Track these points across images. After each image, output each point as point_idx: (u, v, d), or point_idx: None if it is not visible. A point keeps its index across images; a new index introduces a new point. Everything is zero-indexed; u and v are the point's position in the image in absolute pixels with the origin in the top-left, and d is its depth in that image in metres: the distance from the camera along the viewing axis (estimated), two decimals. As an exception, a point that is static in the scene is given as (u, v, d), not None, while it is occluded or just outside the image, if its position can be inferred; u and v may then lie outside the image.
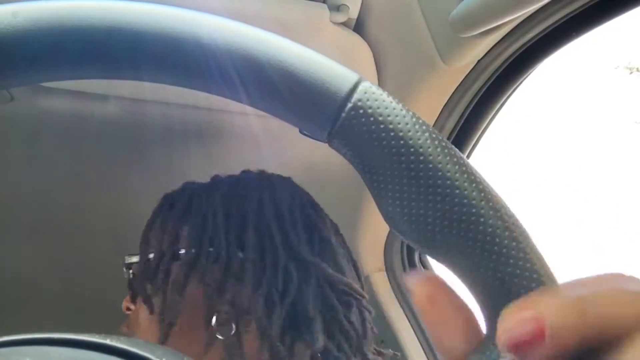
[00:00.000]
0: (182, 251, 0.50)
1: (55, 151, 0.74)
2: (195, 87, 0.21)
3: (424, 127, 0.19)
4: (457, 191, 0.18)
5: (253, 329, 0.47)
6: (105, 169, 0.77)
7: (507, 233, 0.18)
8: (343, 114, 0.19)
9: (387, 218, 0.20)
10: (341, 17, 0.57)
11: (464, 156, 0.19)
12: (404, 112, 0.19)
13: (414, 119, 0.19)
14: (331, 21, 0.57)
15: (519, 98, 0.64)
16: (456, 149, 0.20)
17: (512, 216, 0.19)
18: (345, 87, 0.19)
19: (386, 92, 0.20)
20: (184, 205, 0.53)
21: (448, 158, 0.19)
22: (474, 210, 0.18)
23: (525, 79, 0.57)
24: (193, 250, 0.49)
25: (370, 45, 0.60)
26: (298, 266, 0.48)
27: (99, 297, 0.77)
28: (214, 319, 0.48)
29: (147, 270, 0.51)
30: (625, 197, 4.90)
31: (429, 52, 0.54)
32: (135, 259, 0.54)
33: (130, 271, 0.56)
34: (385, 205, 0.20)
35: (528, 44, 0.52)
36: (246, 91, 0.20)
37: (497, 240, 0.18)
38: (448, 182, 0.18)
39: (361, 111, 0.19)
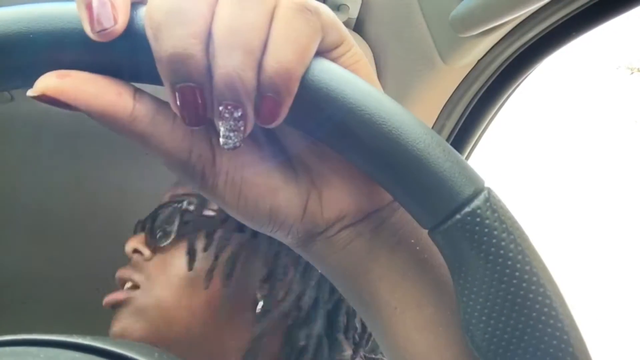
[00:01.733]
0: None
1: (55, 151, 0.74)
2: (310, 133, 0.21)
3: (532, 254, 0.19)
4: (549, 330, 0.19)
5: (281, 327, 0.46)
6: (105, 169, 0.77)
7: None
8: (458, 216, 0.19)
9: (467, 331, 0.20)
10: (341, 17, 0.57)
11: (561, 293, 0.20)
12: (517, 231, 0.19)
13: (525, 242, 0.19)
14: (331, 21, 0.57)
15: (519, 98, 0.64)
16: (556, 284, 0.20)
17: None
18: (470, 190, 0.19)
19: (504, 203, 0.20)
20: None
21: (548, 294, 0.19)
22: (562, 346, 0.19)
23: (525, 79, 0.57)
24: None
25: (370, 45, 0.60)
26: None
27: (99, 297, 0.77)
28: (259, 305, 0.46)
29: (208, 223, 0.48)
30: (626, 197, 4.90)
31: (429, 52, 0.54)
32: (192, 206, 0.50)
33: (185, 212, 0.50)
34: (469, 317, 0.20)
35: (528, 44, 0.52)
36: (364, 155, 0.20)
37: None
38: (542, 317, 0.19)
39: (477, 219, 0.19)
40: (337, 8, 0.57)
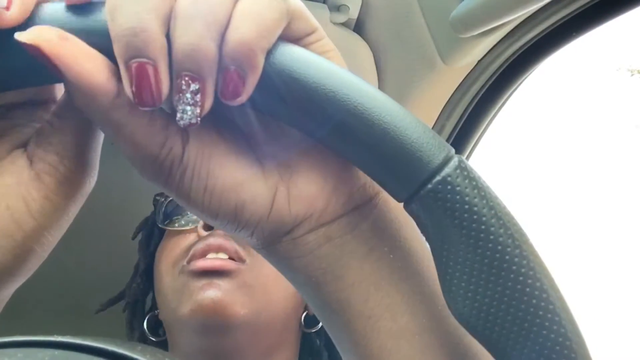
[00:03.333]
0: None
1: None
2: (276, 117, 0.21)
3: (507, 217, 0.19)
4: (528, 289, 0.18)
5: None
6: (105, 169, 0.76)
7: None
8: (430, 185, 0.19)
9: (449, 298, 0.20)
10: (341, 18, 0.57)
11: (539, 255, 0.20)
12: (490, 196, 0.19)
13: (498, 207, 0.19)
14: (331, 21, 0.57)
15: (519, 99, 0.64)
16: (534, 246, 0.19)
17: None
18: (439, 159, 0.19)
19: (476, 171, 0.20)
20: None
21: (525, 254, 0.19)
22: (542, 304, 0.18)
23: (525, 79, 0.57)
24: None
25: (370, 45, 0.60)
26: None
27: (99, 297, 0.77)
28: (303, 315, 0.49)
29: None
30: (626, 200, 4.90)
31: (429, 52, 0.54)
32: None
33: None
34: (449, 285, 0.20)
35: (528, 44, 0.52)
36: (332, 133, 0.20)
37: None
38: (520, 278, 0.18)
39: (449, 187, 0.19)
40: (337, 8, 0.57)
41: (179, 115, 0.19)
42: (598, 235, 4.51)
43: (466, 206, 0.19)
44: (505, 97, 0.59)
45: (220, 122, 0.23)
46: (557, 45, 0.51)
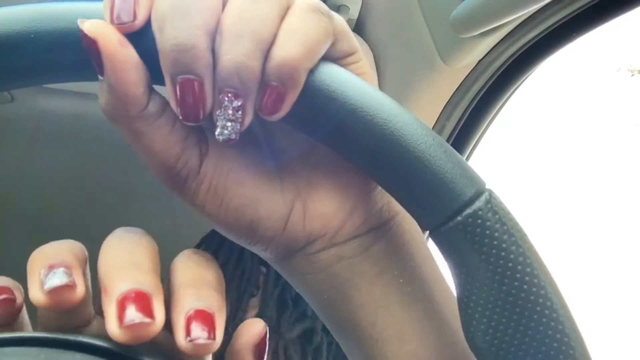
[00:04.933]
0: None
1: (55, 151, 0.74)
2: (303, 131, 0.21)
3: (533, 255, 0.19)
4: (550, 332, 0.19)
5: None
6: (105, 169, 0.77)
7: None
8: (459, 217, 0.19)
9: (468, 332, 0.20)
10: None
11: (562, 295, 0.20)
12: (519, 232, 0.19)
13: (526, 244, 0.19)
14: (331, 21, 0.57)
15: (519, 99, 0.64)
16: (557, 286, 0.19)
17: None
18: (471, 191, 0.19)
19: (505, 205, 0.20)
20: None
21: (549, 296, 0.19)
22: (563, 348, 0.18)
23: (525, 79, 0.57)
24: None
25: (370, 46, 0.60)
26: None
27: (99, 297, 0.77)
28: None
29: None
30: (626, 199, 4.90)
31: (429, 52, 0.54)
32: None
33: None
34: (470, 319, 0.20)
35: (528, 45, 0.52)
36: (365, 156, 0.20)
37: None
38: (543, 320, 0.19)
39: (479, 221, 0.19)
40: (337, 9, 0.57)
41: (218, 130, 0.19)
42: (598, 233, 4.51)
43: (494, 242, 0.19)
44: (505, 97, 0.59)
45: (243, 137, 0.23)
46: (557, 46, 0.51)
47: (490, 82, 0.57)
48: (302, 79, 0.19)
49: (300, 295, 0.51)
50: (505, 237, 0.19)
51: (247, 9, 0.18)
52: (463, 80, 0.57)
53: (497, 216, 0.19)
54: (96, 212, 0.81)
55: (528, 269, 0.19)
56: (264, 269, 0.53)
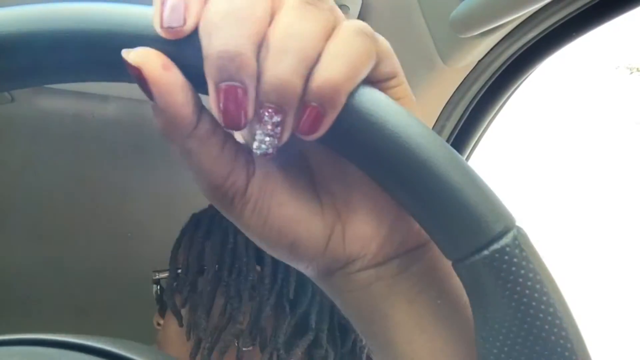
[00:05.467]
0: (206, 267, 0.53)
1: (55, 152, 0.74)
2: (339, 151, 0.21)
3: (557, 296, 0.19)
4: None
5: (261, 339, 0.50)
6: (105, 169, 0.77)
7: None
8: (486, 252, 0.19)
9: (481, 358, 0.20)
10: (341, 18, 0.57)
11: (583, 338, 0.20)
12: (544, 272, 0.19)
13: (550, 284, 0.19)
14: (331, 22, 0.57)
15: (519, 98, 0.64)
16: (578, 328, 0.19)
17: None
18: (500, 227, 0.19)
19: (532, 243, 0.19)
20: (207, 223, 0.56)
21: (570, 337, 0.19)
22: None
23: (525, 79, 0.57)
24: (217, 266, 0.51)
25: (370, 46, 0.60)
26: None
27: (99, 297, 0.77)
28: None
29: (176, 284, 0.54)
30: (626, 197, 4.90)
31: (429, 52, 0.54)
32: (164, 274, 0.57)
33: (158, 286, 0.58)
34: (485, 350, 0.20)
35: (528, 45, 0.52)
36: (397, 182, 0.20)
37: None
38: (563, 358, 0.19)
39: (505, 257, 0.19)
40: (337, 8, 0.56)
41: (256, 144, 0.19)
42: (598, 231, 4.51)
43: (519, 279, 0.19)
44: (505, 97, 0.59)
45: (287, 158, 0.23)
46: (557, 45, 0.51)
47: (490, 82, 0.57)
48: (342, 101, 0.19)
49: (300, 301, 0.50)
50: (530, 275, 0.19)
51: (294, 25, 0.18)
52: (463, 80, 0.57)
53: (523, 253, 0.19)
54: (96, 212, 0.81)
55: (551, 309, 0.19)
56: (258, 268, 0.52)
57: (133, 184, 0.78)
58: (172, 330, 0.54)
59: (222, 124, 0.19)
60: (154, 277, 0.58)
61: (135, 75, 0.18)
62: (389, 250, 0.23)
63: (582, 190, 5.12)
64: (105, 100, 0.67)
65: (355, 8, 0.57)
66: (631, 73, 5.92)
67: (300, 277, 0.51)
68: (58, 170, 0.76)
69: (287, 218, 0.22)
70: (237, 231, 0.52)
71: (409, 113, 0.20)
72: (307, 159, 0.24)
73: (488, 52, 0.53)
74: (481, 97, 0.59)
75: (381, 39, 0.20)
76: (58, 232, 0.83)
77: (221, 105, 0.19)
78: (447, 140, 0.63)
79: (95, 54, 0.19)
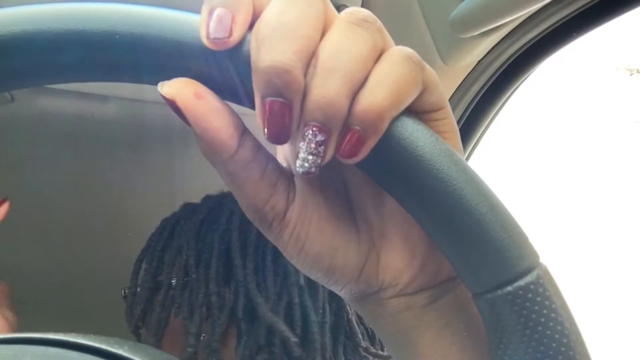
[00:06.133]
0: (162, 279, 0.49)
1: (55, 152, 0.74)
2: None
3: (576, 337, 0.19)
4: None
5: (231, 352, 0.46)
6: (105, 169, 0.77)
7: None
8: (509, 288, 0.19)
9: None
10: (341, 18, 0.57)
11: None
12: (565, 313, 0.19)
13: (571, 325, 0.19)
14: (331, 21, 0.57)
15: (519, 98, 0.64)
16: None
17: None
18: (525, 264, 0.19)
19: (556, 282, 0.19)
20: (167, 234, 0.52)
21: None
22: None
23: (525, 79, 0.57)
24: (173, 281, 0.48)
25: (370, 46, 0.60)
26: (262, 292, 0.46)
27: (99, 297, 0.77)
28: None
29: (133, 305, 0.51)
30: (626, 196, 4.90)
31: (429, 52, 0.54)
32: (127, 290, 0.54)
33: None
34: None
35: (528, 45, 0.52)
36: (428, 213, 0.20)
37: None
38: None
39: (529, 295, 0.19)
40: (336, 8, 0.56)
41: (299, 162, 0.19)
42: (599, 230, 4.51)
43: (541, 319, 0.19)
44: (505, 98, 0.59)
45: (327, 183, 0.24)
46: (557, 46, 0.51)
47: (490, 82, 0.57)
48: (385, 126, 0.19)
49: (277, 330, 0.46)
50: (552, 315, 0.19)
51: (343, 45, 0.18)
52: (463, 81, 0.57)
53: (547, 293, 0.19)
54: (96, 212, 0.81)
55: (570, 352, 0.19)
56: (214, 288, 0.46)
57: (133, 184, 0.78)
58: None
59: (265, 137, 0.19)
60: (123, 294, 0.55)
61: (171, 106, 0.19)
62: (420, 282, 0.24)
63: (582, 190, 5.12)
64: (105, 100, 0.67)
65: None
66: (631, 74, 5.92)
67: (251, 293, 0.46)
68: (58, 170, 0.76)
69: (324, 245, 0.23)
70: (189, 244, 0.48)
71: (446, 146, 0.20)
72: (347, 187, 0.24)
73: (488, 52, 0.53)
74: (481, 97, 0.59)
75: (429, 68, 0.20)
76: (58, 232, 0.83)
77: (266, 118, 0.19)
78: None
79: (147, 59, 0.19)
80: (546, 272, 0.19)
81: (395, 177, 0.20)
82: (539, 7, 0.46)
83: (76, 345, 0.17)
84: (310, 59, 0.18)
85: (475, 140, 0.64)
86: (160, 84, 0.19)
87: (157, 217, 0.75)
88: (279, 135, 0.19)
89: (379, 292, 0.24)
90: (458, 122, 0.62)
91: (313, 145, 0.19)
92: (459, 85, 0.58)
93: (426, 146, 0.19)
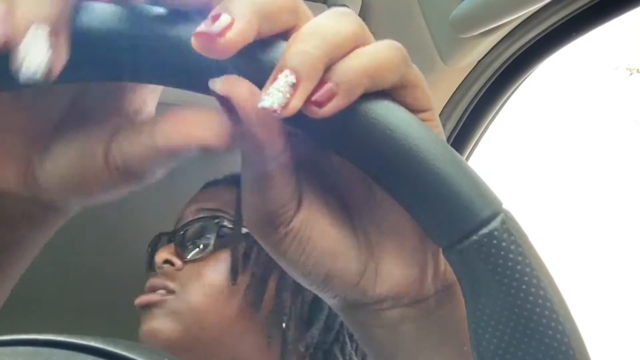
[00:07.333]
0: None
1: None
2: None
3: (546, 279, 0.19)
4: (560, 356, 0.19)
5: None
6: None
7: None
8: (475, 237, 0.19)
9: (477, 352, 0.20)
10: (341, 18, 0.57)
11: (574, 320, 0.20)
12: (533, 255, 0.19)
13: (539, 267, 0.19)
14: (331, 21, 0.57)
15: (519, 99, 0.64)
16: (569, 311, 0.20)
17: None
18: (487, 212, 0.19)
19: (521, 227, 0.20)
20: None
21: (560, 320, 0.19)
22: None
23: (525, 79, 0.57)
24: None
25: (370, 46, 0.60)
26: None
27: (99, 297, 0.77)
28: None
29: (248, 240, 0.53)
30: (626, 196, 4.90)
31: (429, 52, 0.54)
32: (229, 223, 0.55)
33: (222, 227, 0.55)
34: (480, 339, 0.20)
35: (528, 45, 0.52)
36: (387, 171, 0.20)
37: None
38: (554, 344, 0.19)
39: (494, 241, 0.19)
40: (337, 8, 0.57)
41: (263, 96, 0.19)
42: (599, 230, 4.52)
43: (509, 263, 0.19)
44: (505, 97, 0.59)
45: (329, 191, 0.24)
46: (557, 45, 0.51)
47: (490, 82, 0.57)
48: (356, 92, 0.19)
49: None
50: (519, 258, 0.19)
51: (329, 21, 0.19)
52: (463, 80, 0.57)
53: (512, 237, 0.19)
54: (96, 212, 0.81)
55: (541, 292, 0.19)
56: None
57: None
58: (211, 282, 0.52)
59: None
60: (217, 214, 0.56)
61: (224, 104, 0.19)
62: (417, 294, 0.24)
63: (582, 190, 5.13)
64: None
65: (355, 8, 0.57)
66: (631, 74, 5.92)
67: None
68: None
69: (325, 250, 0.23)
70: None
71: (400, 108, 0.20)
72: (346, 197, 0.25)
73: (488, 52, 0.53)
74: (481, 97, 0.59)
75: (416, 68, 0.21)
76: (58, 232, 0.83)
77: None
78: (447, 140, 0.63)
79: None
80: (510, 218, 0.19)
81: (358, 145, 0.20)
82: (539, 7, 0.46)
83: (67, 345, 0.17)
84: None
85: (475, 140, 0.64)
86: (211, 81, 0.19)
87: (157, 217, 0.75)
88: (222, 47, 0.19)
89: (375, 303, 0.24)
90: (458, 122, 0.62)
91: (282, 84, 0.19)
92: (459, 85, 0.58)
93: (386, 113, 0.20)
